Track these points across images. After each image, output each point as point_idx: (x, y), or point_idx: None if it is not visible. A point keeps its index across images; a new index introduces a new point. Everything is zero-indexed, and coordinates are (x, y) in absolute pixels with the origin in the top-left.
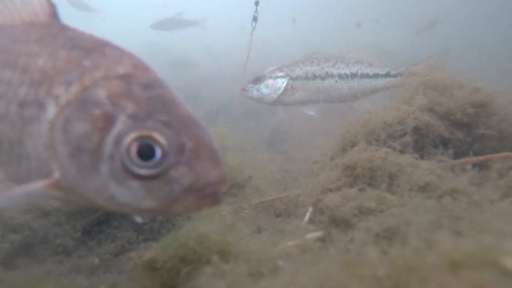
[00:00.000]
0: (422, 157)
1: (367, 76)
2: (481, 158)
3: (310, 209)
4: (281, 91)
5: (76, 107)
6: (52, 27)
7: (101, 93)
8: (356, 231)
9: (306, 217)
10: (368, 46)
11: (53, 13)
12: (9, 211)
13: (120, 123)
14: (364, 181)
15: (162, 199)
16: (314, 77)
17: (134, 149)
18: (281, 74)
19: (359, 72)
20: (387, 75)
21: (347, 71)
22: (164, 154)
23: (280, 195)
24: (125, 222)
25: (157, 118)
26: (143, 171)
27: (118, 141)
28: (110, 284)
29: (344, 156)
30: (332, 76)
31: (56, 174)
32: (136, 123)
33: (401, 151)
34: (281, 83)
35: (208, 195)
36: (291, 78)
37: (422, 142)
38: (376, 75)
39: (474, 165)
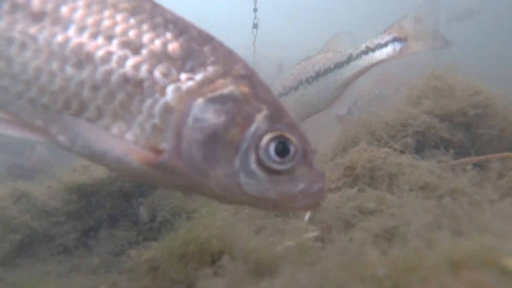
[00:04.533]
0: (422, 158)
1: (329, 70)
2: (481, 158)
3: None
4: None
5: (211, 99)
6: (143, 1)
7: (235, 90)
8: (356, 231)
9: (306, 217)
10: (338, 35)
11: None
12: (9, 211)
13: (258, 122)
14: (364, 181)
15: (282, 193)
16: (289, 90)
17: (272, 147)
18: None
19: (322, 68)
20: (349, 59)
21: (312, 73)
22: (295, 153)
23: None
24: (125, 222)
25: (284, 121)
26: (277, 166)
27: (257, 138)
28: (110, 284)
29: (344, 156)
30: (301, 83)
31: (164, 156)
32: (272, 124)
33: (402, 152)
34: None
35: (317, 198)
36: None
37: (423, 143)
38: (338, 65)
39: (474, 165)
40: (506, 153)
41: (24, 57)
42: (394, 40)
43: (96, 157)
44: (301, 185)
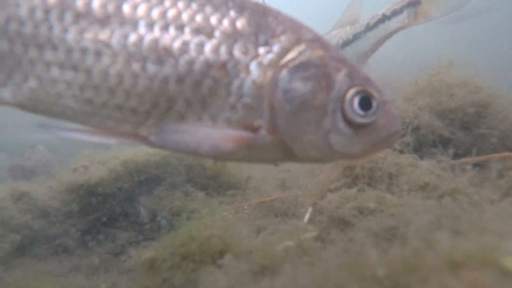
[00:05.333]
0: (422, 157)
1: (347, 42)
2: (481, 158)
3: (310, 209)
4: None
5: (293, 68)
6: None
7: (312, 55)
8: (356, 231)
9: (306, 217)
10: (351, 5)
11: None
12: (9, 211)
13: (340, 81)
14: (363, 181)
15: (366, 144)
16: None
17: (356, 101)
18: None
19: (339, 41)
20: (366, 29)
21: None
22: (378, 106)
23: (280, 195)
24: (125, 222)
25: (362, 76)
26: (362, 120)
27: (341, 96)
28: (110, 284)
29: None
30: None
31: (261, 132)
32: (351, 81)
33: (401, 151)
34: None
35: (392, 140)
36: None
37: (422, 142)
38: (356, 36)
39: (474, 165)
40: (506, 153)
41: (102, 65)
42: (409, 4)
43: (191, 150)
44: (383, 134)
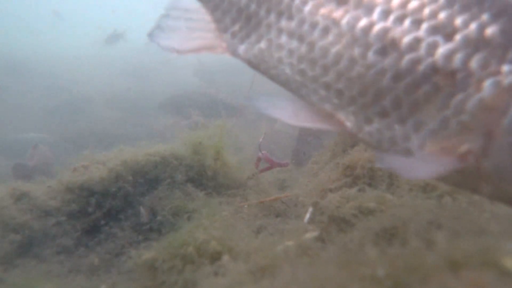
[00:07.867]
0: None
1: None
2: None
3: (310, 209)
4: None
5: None
6: None
7: None
8: (356, 231)
9: (306, 217)
10: None
11: None
12: (9, 210)
13: None
14: (364, 181)
15: None
16: None
17: None
18: None
19: None
20: None
21: None
22: None
23: (280, 195)
24: (125, 222)
25: None
26: None
27: None
28: (110, 284)
29: (344, 156)
30: None
31: (468, 159)
32: None
33: None
34: None
35: None
36: None
37: None
38: None
39: None
40: None
41: (326, 42)
42: None
43: (387, 142)
44: None
